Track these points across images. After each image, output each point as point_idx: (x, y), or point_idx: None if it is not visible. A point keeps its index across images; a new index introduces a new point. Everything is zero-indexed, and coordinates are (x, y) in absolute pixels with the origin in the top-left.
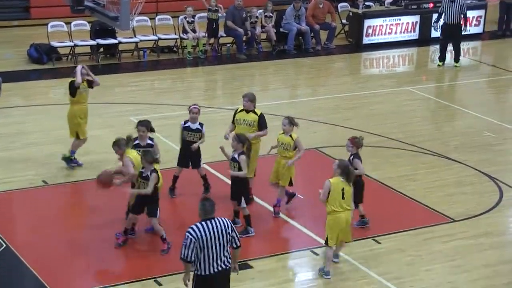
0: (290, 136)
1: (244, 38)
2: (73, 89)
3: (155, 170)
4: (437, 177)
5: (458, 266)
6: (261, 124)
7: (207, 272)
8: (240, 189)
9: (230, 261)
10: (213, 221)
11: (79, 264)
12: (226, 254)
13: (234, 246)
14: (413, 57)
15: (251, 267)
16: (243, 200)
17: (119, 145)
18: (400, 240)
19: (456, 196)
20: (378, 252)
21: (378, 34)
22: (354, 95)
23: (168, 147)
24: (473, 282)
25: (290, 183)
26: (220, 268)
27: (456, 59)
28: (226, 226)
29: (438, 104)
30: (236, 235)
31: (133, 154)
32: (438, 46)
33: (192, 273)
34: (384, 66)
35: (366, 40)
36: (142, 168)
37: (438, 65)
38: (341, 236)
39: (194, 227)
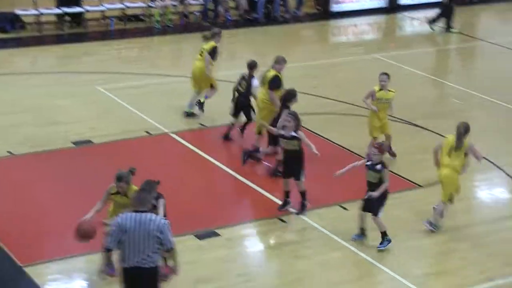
0: (389, 90)
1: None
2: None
3: (160, 195)
4: (405, 144)
5: (424, 230)
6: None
7: (126, 265)
8: (299, 165)
9: (155, 263)
10: (142, 215)
11: (46, 234)
12: (148, 253)
13: (165, 249)
14: (381, 25)
15: (218, 235)
16: (301, 174)
17: (128, 181)
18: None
19: (423, 162)
20: (346, 218)
21: (346, 2)
22: (322, 63)
23: (137, 117)
24: (436, 245)
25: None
26: (137, 265)
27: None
28: (154, 225)
29: (406, 72)
30: (167, 237)
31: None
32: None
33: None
34: (352, 33)
35: (334, 8)
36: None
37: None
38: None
39: (122, 215)
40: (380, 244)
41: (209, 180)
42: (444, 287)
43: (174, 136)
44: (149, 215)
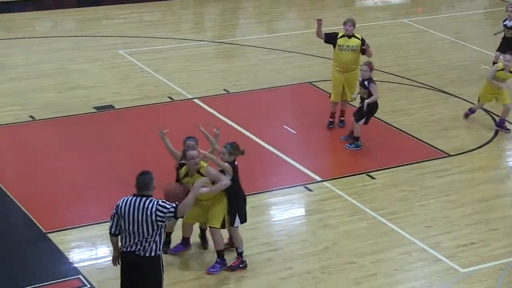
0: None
1: None
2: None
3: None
4: (433, 111)
5: (453, 201)
6: (364, 47)
7: (123, 249)
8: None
9: (152, 252)
10: (138, 199)
11: (67, 199)
12: (144, 241)
13: (172, 217)
14: None
15: None
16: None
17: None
18: (394, 175)
19: (451, 131)
20: (373, 188)
21: None
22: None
23: (159, 82)
24: (467, 216)
25: None
26: (130, 250)
27: None
28: (148, 210)
29: (434, 37)
30: (164, 213)
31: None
32: None
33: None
34: None
35: None
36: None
37: None
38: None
39: (122, 199)
40: (350, 144)
41: None
42: (474, 258)
43: (197, 101)
44: (144, 200)
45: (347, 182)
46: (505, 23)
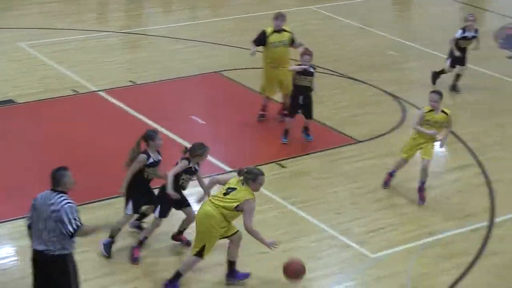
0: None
1: None
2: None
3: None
4: (342, 98)
5: (362, 187)
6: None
7: (32, 246)
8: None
9: (60, 251)
10: (49, 194)
11: None
12: (49, 238)
13: (66, 233)
14: None
15: None
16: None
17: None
18: (305, 163)
19: (360, 117)
20: (283, 176)
21: None
22: (256, 16)
23: (62, 74)
24: (376, 202)
25: None
26: (40, 249)
27: None
28: (54, 207)
29: (341, 23)
30: (66, 222)
31: None
32: None
33: None
34: None
35: None
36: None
37: None
38: None
39: (42, 192)
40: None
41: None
42: (384, 243)
43: (103, 94)
44: (54, 195)
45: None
46: (465, 34)
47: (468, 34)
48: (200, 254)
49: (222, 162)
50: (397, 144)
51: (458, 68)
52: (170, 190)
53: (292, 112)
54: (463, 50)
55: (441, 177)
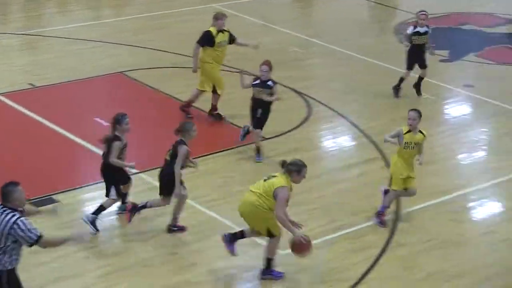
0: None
1: None
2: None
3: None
4: (247, 95)
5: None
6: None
7: None
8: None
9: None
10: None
11: None
12: None
13: (29, 244)
14: None
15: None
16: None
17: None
18: (213, 162)
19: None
20: (191, 176)
21: None
22: (158, 15)
23: None
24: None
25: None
26: None
27: None
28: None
29: (245, 21)
30: (23, 236)
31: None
32: None
33: None
34: None
35: None
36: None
37: None
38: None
39: None
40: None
41: (39, 143)
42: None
43: (0, 97)
44: (3, 210)
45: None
46: (416, 29)
47: (420, 29)
48: (272, 235)
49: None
50: (303, 140)
51: (421, 71)
52: (178, 189)
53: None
54: (419, 50)
55: (347, 172)
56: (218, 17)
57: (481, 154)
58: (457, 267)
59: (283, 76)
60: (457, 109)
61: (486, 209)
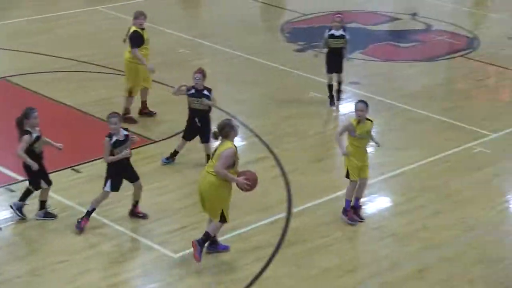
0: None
1: None
2: None
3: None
4: (137, 98)
5: (163, 186)
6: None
7: None
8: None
9: None
10: None
11: None
12: None
13: None
14: None
15: None
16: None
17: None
18: (101, 166)
19: (157, 116)
20: (79, 182)
21: None
22: (42, 18)
23: None
24: (178, 201)
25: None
26: None
27: None
28: None
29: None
30: None
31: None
32: None
33: None
34: None
35: None
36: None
37: None
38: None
39: None
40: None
41: None
42: (187, 242)
43: None
44: None
45: (52, 179)
46: (331, 32)
47: (335, 32)
48: (223, 219)
49: (13, 171)
50: (194, 141)
51: (335, 76)
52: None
53: (188, 136)
54: (335, 54)
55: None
56: (141, 16)
57: (368, 150)
58: (349, 263)
59: (172, 77)
60: (344, 106)
61: (375, 204)
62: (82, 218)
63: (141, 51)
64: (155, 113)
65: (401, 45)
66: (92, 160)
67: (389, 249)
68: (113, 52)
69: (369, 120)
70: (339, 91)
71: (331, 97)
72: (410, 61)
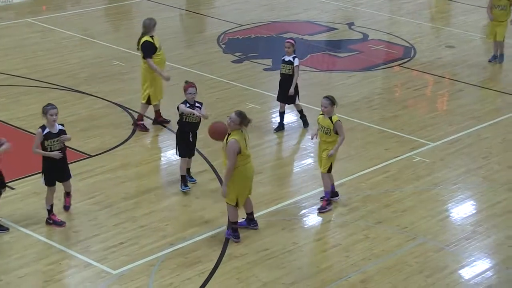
0: (330, 118)
1: None
2: None
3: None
4: (70, 112)
5: (99, 202)
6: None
7: None
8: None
9: None
10: None
11: None
12: None
13: None
14: None
15: None
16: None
17: None
18: (35, 183)
19: (90, 131)
20: (13, 199)
21: None
22: None
23: None
24: (114, 216)
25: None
26: None
27: None
28: None
29: (62, 35)
30: None
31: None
32: None
33: None
34: None
35: None
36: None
37: None
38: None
39: None
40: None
41: None
42: (125, 258)
43: None
44: None
45: None
46: (283, 57)
47: (286, 57)
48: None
49: None
50: (129, 155)
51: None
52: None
53: (185, 153)
54: (285, 80)
55: (177, 185)
56: (153, 23)
57: (309, 161)
58: (292, 275)
59: (107, 90)
60: (283, 117)
61: (316, 216)
62: (49, 217)
63: (154, 59)
64: (169, 121)
65: (339, 55)
66: (26, 176)
67: (332, 260)
68: (42, 64)
69: (330, 118)
70: (302, 117)
71: (281, 124)
72: (348, 71)
